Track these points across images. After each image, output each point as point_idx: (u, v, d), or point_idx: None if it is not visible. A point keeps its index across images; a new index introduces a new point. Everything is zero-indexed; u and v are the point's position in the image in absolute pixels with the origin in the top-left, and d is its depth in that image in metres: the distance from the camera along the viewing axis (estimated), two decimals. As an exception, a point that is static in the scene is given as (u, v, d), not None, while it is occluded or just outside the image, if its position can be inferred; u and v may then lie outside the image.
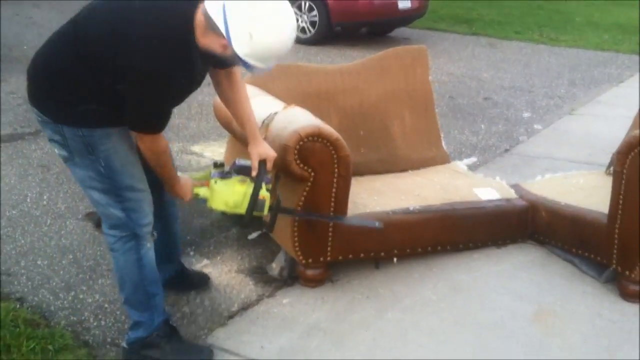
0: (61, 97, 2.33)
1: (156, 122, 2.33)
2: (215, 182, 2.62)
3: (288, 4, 2.25)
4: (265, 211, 2.64)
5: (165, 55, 2.18)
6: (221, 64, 2.46)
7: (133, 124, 2.33)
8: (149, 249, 2.54)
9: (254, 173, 2.60)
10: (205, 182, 2.67)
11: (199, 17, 2.20)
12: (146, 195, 2.51)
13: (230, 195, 2.61)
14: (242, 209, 2.60)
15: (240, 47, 2.17)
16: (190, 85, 2.37)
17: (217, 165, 2.70)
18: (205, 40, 2.23)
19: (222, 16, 2.14)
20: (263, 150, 2.66)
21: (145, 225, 2.51)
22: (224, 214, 2.75)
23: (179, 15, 2.22)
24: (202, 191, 2.64)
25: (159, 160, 2.44)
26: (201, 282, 3.17)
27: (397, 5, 9.56)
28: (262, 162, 2.62)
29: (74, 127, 2.33)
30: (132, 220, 2.46)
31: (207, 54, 2.27)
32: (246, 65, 2.23)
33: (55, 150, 2.46)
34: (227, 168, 2.69)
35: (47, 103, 2.36)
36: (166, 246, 2.88)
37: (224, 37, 2.16)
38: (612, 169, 3.29)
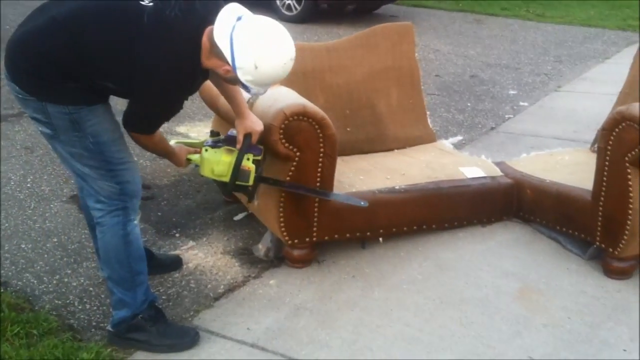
0: (46, 76, 2.29)
1: (153, 126, 2.47)
2: (206, 150, 2.73)
3: (288, 35, 2.39)
4: (250, 181, 2.70)
5: (173, 73, 2.27)
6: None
7: (130, 126, 2.42)
8: (135, 225, 2.54)
9: (238, 146, 2.68)
10: (199, 149, 2.77)
11: (204, 41, 2.29)
12: (135, 165, 2.55)
13: (216, 164, 2.71)
14: (227, 178, 2.70)
15: (245, 75, 2.29)
16: (187, 94, 2.46)
17: (213, 133, 2.84)
18: (209, 63, 2.33)
19: (229, 46, 2.25)
20: (249, 125, 2.71)
21: (137, 196, 2.52)
22: (214, 182, 2.81)
23: (187, 39, 2.29)
24: (195, 158, 2.76)
25: (155, 149, 2.66)
26: (173, 265, 3.16)
27: (383, -18, 9.50)
28: (247, 135, 2.69)
29: (59, 105, 2.30)
30: (125, 192, 2.47)
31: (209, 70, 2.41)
32: (246, 89, 2.36)
33: (39, 127, 2.42)
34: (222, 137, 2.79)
35: (30, 80, 2.31)
36: None
37: (227, 63, 2.28)
38: (596, 145, 3.30)
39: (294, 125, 2.90)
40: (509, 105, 6.01)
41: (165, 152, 2.69)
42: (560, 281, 3.12)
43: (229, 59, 2.26)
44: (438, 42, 8.57)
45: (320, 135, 2.95)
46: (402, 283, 3.08)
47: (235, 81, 2.35)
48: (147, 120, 2.43)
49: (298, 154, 2.94)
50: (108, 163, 2.41)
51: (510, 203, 3.61)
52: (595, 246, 3.20)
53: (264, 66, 2.28)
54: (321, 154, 2.98)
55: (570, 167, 3.66)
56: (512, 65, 7.53)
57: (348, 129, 3.82)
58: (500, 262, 3.26)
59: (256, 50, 2.26)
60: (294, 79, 3.59)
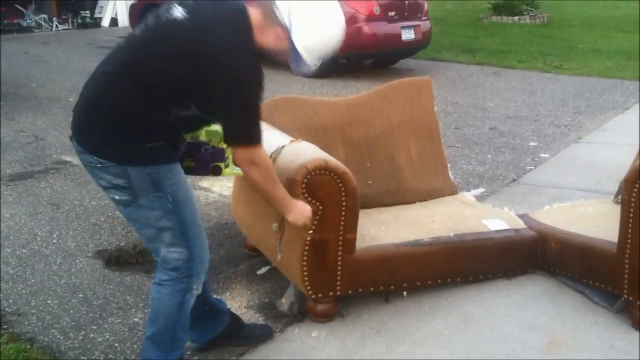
0: (124, 135, 2.30)
1: (255, 129, 2.38)
2: None
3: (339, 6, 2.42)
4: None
5: (246, 56, 2.28)
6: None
7: (236, 135, 2.38)
8: (193, 295, 2.55)
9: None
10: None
11: (254, 14, 2.33)
12: (204, 232, 2.56)
13: None
14: None
15: (300, 36, 2.32)
16: (263, 84, 2.40)
17: None
18: (261, 35, 2.33)
19: (286, 6, 2.29)
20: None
21: (203, 262, 2.54)
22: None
23: (236, 21, 2.32)
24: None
25: (268, 176, 2.52)
26: (263, 335, 3.03)
27: (400, 37, 9.66)
28: None
29: (140, 166, 2.33)
30: (193, 258, 2.47)
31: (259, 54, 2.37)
32: (297, 57, 2.36)
33: (115, 197, 2.41)
34: None
35: (110, 146, 2.32)
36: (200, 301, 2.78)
37: (281, 28, 2.31)
38: (620, 197, 3.28)
39: (316, 180, 2.93)
40: (530, 156, 6.02)
41: (280, 191, 2.62)
42: (588, 335, 3.06)
43: (287, 21, 2.29)
44: (456, 95, 8.64)
45: (342, 188, 2.98)
46: (427, 338, 3.05)
47: (285, 53, 2.36)
48: (248, 121, 2.35)
49: (320, 207, 2.96)
50: (182, 224, 2.43)
51: (535, 255, 3.58)
52: (622, 299, 3.15)
53: (320, 28, 2.35)
54: (343, 207, 3.00)
55: (594, 219, 3.64)
56: (531, 117, 7.55)
57: (369, 182, 3.84)
58: (527, 316, 3.22)
59: (313, 10, 2.34)
60: (314, 134, 3.67)
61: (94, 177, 2.44)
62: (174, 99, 2.34)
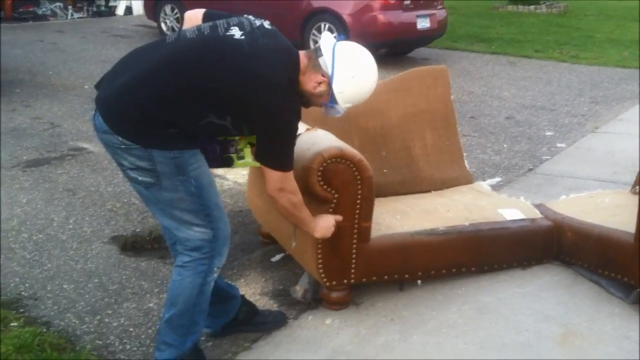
0: (153, 122, 2.35)
1: (287, 158, 2.53)
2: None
3: None
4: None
5: (286, 93, 2.46)
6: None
7: (270, 162, 2.51)
8: (214, 278, 2.58)
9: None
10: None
11: (302, 59, 2.55)
12: (225, 215, 2.60)
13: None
14: None
15: (339, 84, 2.53)
16: (298, 122, 2.55)
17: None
18: (303, 78, 2.54)
19: (331, 57, 2.52)
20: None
21: (227, 241, 2.58)
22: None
23: (288, 57, 2.51)
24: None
25: (296, 201, 2.64)
26: (277, 322, 3.05)
27: (416, 25, 9.61)
28: None
29: (164, 150, 2.36)
30: (218, 238, 2.52)
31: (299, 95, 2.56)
32: (332, 102, 2.57)
33: (138, 177, 2.43)
34: None
35: (138, 130, 2.35)
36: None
37: (322, 74, 2.53)
38: (637, 187, 3.26)
39: (332, 168, 2.92)
40: (546, 146, 5.98)
41: (305, 216, 2.75)
42: (603, 326, 3.05)
43: (329, 69, 2.50)
44: (472, 84, 8.60)
45: (358, 177, 2.97)
46: (440, 327, 3.04)
47: (320, 97, 2.55)
48: (282, 151, 2.50)
49: (336, 196, 2.96)
50: (206, 207, 2.48)
51: (550, 245, 3.56)
52: (638, 290, 3.13)
53: (359, 79, 2.57)
54: (359, 196, 2.99)
55: (611, 209, 3.61)
56: (547, 107, 7.50)
57: (384, 171, 3.83)
58: (541, 306, 3.21)
59: (356, 63, 2.57)
60: (329, 122, 3.65)
61: (115, 157, 2.46)
62: (214, 108, 2.41)
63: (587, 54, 11.14)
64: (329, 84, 2.53)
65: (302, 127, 3.26)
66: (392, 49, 10.39)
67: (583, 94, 8.18)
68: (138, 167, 2.39)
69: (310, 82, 2.54)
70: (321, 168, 2.90)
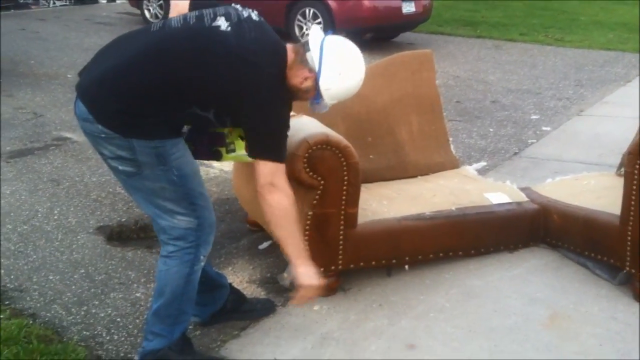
0: (135, 113, 2.31)
1: (279, 149, 2.45)
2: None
3: None
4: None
5: (279, 85, 2.43)
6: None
7: (261, 154, 2.43)
8: (200, 267, 2.56)
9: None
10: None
11: (289, 53, 2.50)
12: (211, 204, 2.58)
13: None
14: None
15: (326, 80, 2.48)
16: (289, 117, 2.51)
17: None
18: (290, 73, 2.48)
19: (319, 53, 2.47)
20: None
21: (212, 229, 2.55)
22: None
23: (276, 51, 2.47)
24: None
25: (283, 205, 2.46)
26: (265, 309, 3.05)
27: (401, 10, 9.59)
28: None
29: (145, 140, 2.33)
30: (202, 226, 2.49)
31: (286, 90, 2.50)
32: (317, 99, 2.52)
33: (119, 167, 2.40)
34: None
35: (118, 119, 2.32)
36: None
37: (309, 70, 2.47)
38: (622, 169, 3.27)
39: (318, 155, 2.91)
40: (532, 130, 5.99)
41: (295, 235, 2.57)
42: (590, 307, 3.07)
43: (316, 65, 2.45)
44: (457, 69, 8.59)
45: (344, 163, 2.96)
46: (429, 311, 3.05)
47: (306, 92, 2.51)
48: (274, 141, 2.44)
49: (322, 182, 2.95)
50: (189, 196, 2.44)
51: (537, 229, 3.58)
52: (624, 271, 3.15)
53: (346, 76, 2.52)
54: (345, 182, 2.98)
55: (597, 192, 3.62)
56: (533, 90, 7.51)
57: (370, 157, 3.82)
58: (529, 289, 3.22)
59: (343, 59, 2.51)
60: (316, 108, 3.63)
61: (96, 146, 2.43)
62: (198, 100, 2.38)
63: (572, 36, 11.17)
64: (316, 80, 2.49)
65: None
66: (378, 33, 10.35)
67: (568, 77, 8.20)
68: (119, 156, 2.36)
69: (296, 77, 2.49)
70: (307, 155, 2.88)
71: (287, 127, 2.49)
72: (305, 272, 2.55)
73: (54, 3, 14.30)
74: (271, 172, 2.43)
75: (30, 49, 9.29)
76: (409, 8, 9.67)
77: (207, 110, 2.42)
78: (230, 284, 2.99)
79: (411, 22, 10.20)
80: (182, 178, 2.41)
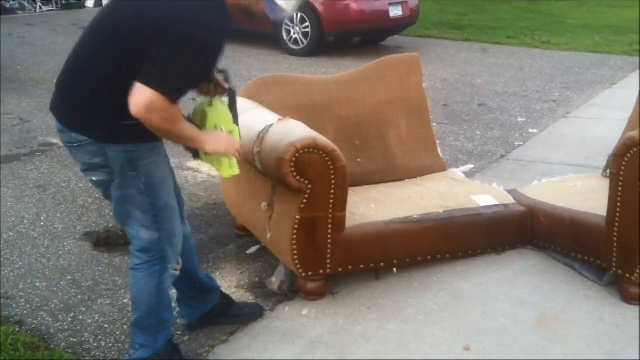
0: (105, 113, 2.26)
1: (180, 84, 2.18)
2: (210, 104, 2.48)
3: None
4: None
5: (207, 12, 2.15)
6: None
7: (150, 79, 2.10)
8: (170, 275, 2.53)
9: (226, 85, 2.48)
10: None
11: None
12: (177, 215, 2.51)
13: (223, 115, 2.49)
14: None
15: None
16: (217, 56, 2.25)
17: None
18: None
19: None
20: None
21: (176, 246, 2.51)
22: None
23: None
24: (205, 158, 2.51)
25: (166, 118, 2.17)
26: (253, 314, 3.03)
27: (388, 13, 9.61)
28: (222, 71, 2.50)
29: (117, 144, 2.30)
30: (164, 241, 2.45)
31: (234, 9, 2.26)
32: (272, 5, 2.26)
33: (93, 177, 2.40)
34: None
35: (89, 123, 2.29)
36: (189, 280, 2.81)
37: None
38: (609, 171, 3.28)
39: (305, 158, 2.91)
40: (519, 132, 6.02)
41: (188, 135, 2.30)
42: (577, 309, 3.08)
43: None
44: (445, 72, 8.62)
45: (331, 167, 2.96)
46: (417, 314, 3.05)
47: (258, 3, 2.29)
48: (176, 70, 2.14)
49: (310, 186, 2.95)
50: (154, 207, 2.40)
51: (524, 231, 3.59)
52: (611, 272, 3.17)
53: None
54: (333, 186, 2.98)
55: (583, 194, 3.64)
56: (519, 93, 7.55)
57: (358, 160, 3.83)
58: (516, 291, 3.23)
59: None
60: (303, 112, 3.64)
61: (74, 157, 2.42)
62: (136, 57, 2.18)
63: (558, 39, 11.23)
64: None
65: (274, 117, 3.25)
66: (366, 37, 10.39)
67: (555, 80, 8.25)
68: (92, 165, 2.35)
69: None
70: (294, 159, 2.88)
71: (194, 72, 2.21)
72: (215, 148, 2.38)
73: (41, 8, 14.23)
74: (151, 99, 2.09)
75: (17, 54, 9.24)
76: (396, 12, 9.70)
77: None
78: (218, 286, 2.98)
79: (399, 26, 10.23)
80: (149, 187, 2.37)
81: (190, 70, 2.18)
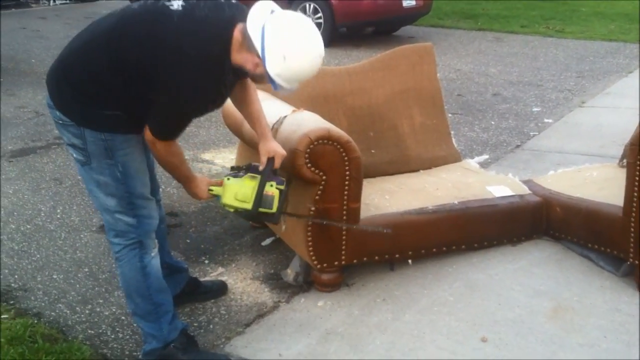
0: (88, 101, 2.34)
1: (176, 130, 2.39)
2: (228, 179, 2.66)
3: (318, 33, 2.38)
4: (274, 208, 2.63)
5: (199, 70, 2.25)
6: (246, 75, 2.49)
7: (153, 129, 2.35)
8: (153, 257, 2.57)
9: (261, 168, 2.64)
10: (220, 181, 2.69)
11: (236, 35, 2.29)
12: (153, 203, 2.58)
13: (239, 188, 2.62)
14: (250, 204, 2.60)
15: (273, 67, 2.27)
16: (217, 98, 2.43)
17: (233, 168, 2.81)
18: (239, 57, 2.31)
19: (260, 36, 2.24)
20: (272, 148, 2.67)
21: (152, 232, 2.56)
22: (236, 212, 2.69)
23: (218, 33, 2.29)
24: (216, 189, 2.66)
25: (172, 163, 2.48)
26: (219, 290, 3.17)
27: (401, 4, 9.56)
28: (271, 158, 2.65)
29: (96, 131, 2.35)
30: (141, 227, 2.50)
31: (238, 70, 2.36)
32: (274, 84, 2.33)
33: (73, 154, 2.47)
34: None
35: (73, 106, 2.37)
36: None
37: (258, 56, 2.27)
38: (625, 161, 3.26)
39: (319, 150, 2.91)
40: (533, 122, 5.98)
41: (183, 174, 2.55)
42: (594, 299, 3.07)
43: (259, 50, 2.24)
44: (458, 62, 8.57)
45: (346, 158, 2.96)
46: (432, 305, 3.05)
47: (263, 77, 2.34)
48: (170, 120, 2.35)
49: (324, 177, 2.94)
50: (130, 195, 2.45)
51: (540, 221, 3.57)
52: (628, 263, 3.15)
53: (292, 59, 2.27)
54: (347, 177, 2.98)
55: (599, 183, 3.62)
56: (534, 82, 7.49)
57: (372, 151, 3.82)
58: (532, 282, 3.22)
59: (286, 41, 2.25)
60: (316, 103, 3.64)
61: (59, 132, 2.49)
62: (136, 83, 2.32)
63: (573, 28, 11.13)
64: (265, 67, 2.29)
65: (287, 108, 3.25)
66: (378, 27, 10.35)
67: (569, 69, 8.18)
68: (72, 144, 2.42)
69: (248, 63, 2.31)
70: (308, 150, 2.88)
71: (199, 111, 2.41)
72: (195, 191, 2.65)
73: (54, 1, 14.30)
74: (165, 148, 2.40)
75: (31, 47, 9.29)
76: (409, 1, 9.65)
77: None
78: (186, 267, 3.10)
79: (412, 16, 10.18)
80: (125, 176, 2.43)
81: (189, 115, 2.39)
